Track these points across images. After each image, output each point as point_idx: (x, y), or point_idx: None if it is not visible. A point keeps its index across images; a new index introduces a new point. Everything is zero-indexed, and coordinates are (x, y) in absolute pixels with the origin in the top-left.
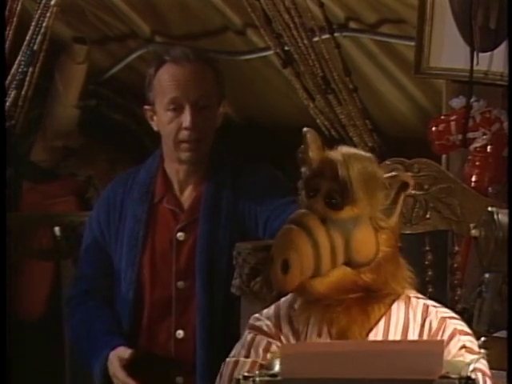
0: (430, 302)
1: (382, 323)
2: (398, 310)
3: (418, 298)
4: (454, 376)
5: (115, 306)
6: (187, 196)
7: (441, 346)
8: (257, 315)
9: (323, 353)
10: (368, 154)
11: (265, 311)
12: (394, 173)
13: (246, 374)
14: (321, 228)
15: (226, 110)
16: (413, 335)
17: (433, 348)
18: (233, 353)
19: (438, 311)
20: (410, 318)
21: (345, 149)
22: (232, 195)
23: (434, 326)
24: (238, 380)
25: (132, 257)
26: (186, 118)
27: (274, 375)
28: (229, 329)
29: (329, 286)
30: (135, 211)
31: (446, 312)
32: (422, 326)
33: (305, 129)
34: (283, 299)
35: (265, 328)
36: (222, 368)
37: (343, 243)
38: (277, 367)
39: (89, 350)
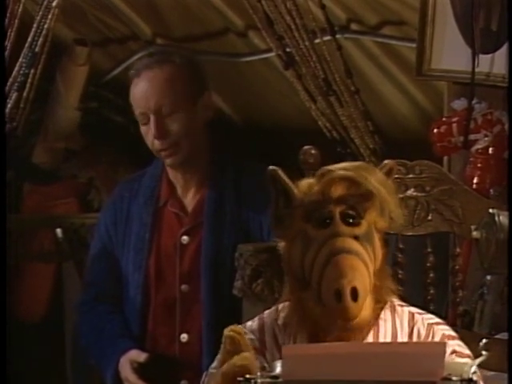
0: (414, 310)
1: (371, 335)
2: (385, 319)
3: (402, 305)
4: (455, 378)
5: (124, 310)
6: (191, 199)
7: (442, 347)
8: (240, 326)
9: (325, 355)
10: (359, 162)
11: (248, 324)
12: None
13: (247, 376)
14: (360, 247)
15: (210, 102)
16: None
17: (434, 350)
18: (214, 364)
19: (424, 318)
20: (398, 327)
21: (338, 166)
22: (235, 198)
23: (422, 333)
24: (240, 382)
25: (139, 260)
26: (152, 129)
27: (276, 377)
28: None
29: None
30: (141, 215)
31: (432, 318)
32: (410, 334)
33: (270, 167)
34: (266, 313)
35: (249, 342)
36: (203, 378)
37: (373, 254)
38: (278, 369)
39: (100, 355)
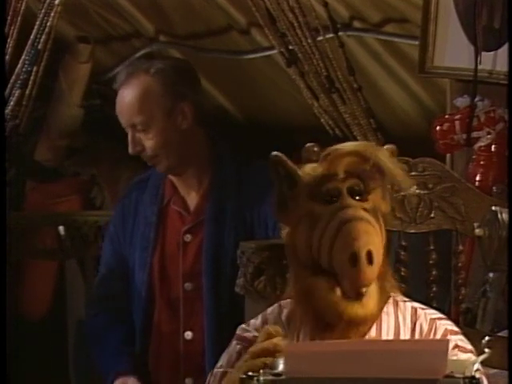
0: (417, 305)
1: (373, 329)
2: (388, 315)
3: (405, 301)
4: (458, 375)
5: (130, 308)
6: (193, 197)
7: (445, 345)
8: (244, 326)
9: (327, 352)
10: (364, 142)
11: (252, 321)
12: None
13: (249, 373)
14: (371, 217)
15: (187, 112)
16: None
17: (437, 347)
18: (220, 363)
19: (427, 313)
20: (400, 322)
21: (346, 144)
22: (237, 196)
23: (425, 328)
24: (242, 379)
25: (143, 259)
26: (129, 145)
27: (278, 374)
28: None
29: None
30: (146, 214)
31: (435, 313)
32: (413, 329)
33: (273, 153)
34: (269, 310)
35: (253, 339)
36: (208, 378)
37: (380, 229)
38: (281, 366)
39: (100, 365)
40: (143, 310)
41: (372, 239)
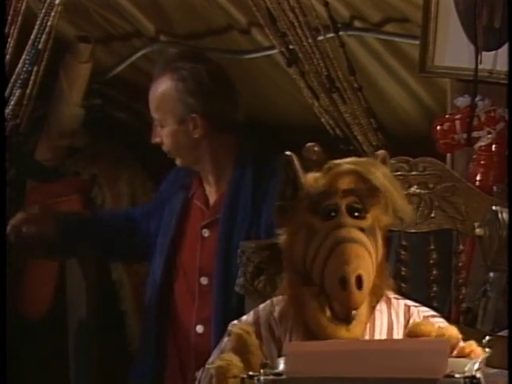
0: (410, 303)
1: (367, 328)
2: (381, 313)
3: (398, 298)
4: (458, 375)
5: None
6: (213, 194)
7: (445, 344)
8: (235, 322)
9: (327, 352)
10: (365, 159)
11: (244, 318)
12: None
13: (250, 373)
14: (365, 237)
15: (198, 125)
16: (397, 337)
17: (437, 347)
18: (211, 359)
19: (420, 311)
20: (393, 320)
21: (346, 160)
22: (252, 197)
23: None
24: (243, 379)
25: (163, 244)
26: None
27: (279, 374)
28: None
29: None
30: (172, 202)
31: (427, 311)
32: (406, 326)
33: (287, 152)
34: (261, 306)
35: None
36: (200, 374)
37: (376, 248)
38: (281, 366)
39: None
40: (159, 290)
41: (363, 263)
